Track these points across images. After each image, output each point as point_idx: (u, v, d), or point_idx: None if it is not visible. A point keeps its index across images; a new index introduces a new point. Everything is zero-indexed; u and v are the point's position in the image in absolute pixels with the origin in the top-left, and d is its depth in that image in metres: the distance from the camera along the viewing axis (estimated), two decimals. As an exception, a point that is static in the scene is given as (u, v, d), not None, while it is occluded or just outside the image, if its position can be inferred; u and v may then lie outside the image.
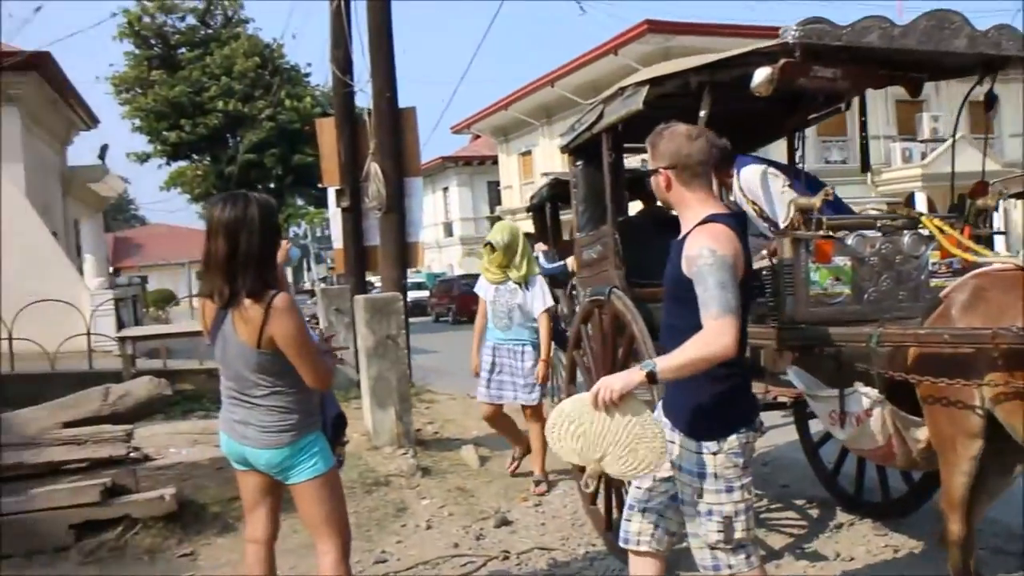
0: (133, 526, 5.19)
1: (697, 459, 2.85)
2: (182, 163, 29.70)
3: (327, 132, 10.33)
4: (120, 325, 15.75)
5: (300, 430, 3.19)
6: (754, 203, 4.67)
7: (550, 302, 6.18)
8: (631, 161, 6.31)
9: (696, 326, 2.68)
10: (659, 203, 3.19)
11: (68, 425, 5.79)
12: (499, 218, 39.85)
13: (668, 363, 2.71)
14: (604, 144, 4.97)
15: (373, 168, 9.54)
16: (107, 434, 5.59)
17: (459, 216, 41.63)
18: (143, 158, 29.73)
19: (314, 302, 17.34)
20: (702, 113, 4.20)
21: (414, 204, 10.00)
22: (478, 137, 39.99)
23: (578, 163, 5.74)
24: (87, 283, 18.10)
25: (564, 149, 5.87)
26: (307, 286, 49.66)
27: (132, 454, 5.61)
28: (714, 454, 2.82)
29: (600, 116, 4.99)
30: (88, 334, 11.96)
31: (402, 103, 9.89)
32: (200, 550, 5.13)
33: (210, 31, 29.44)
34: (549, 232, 9.61)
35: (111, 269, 30.29)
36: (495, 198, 38.05)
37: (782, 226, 4.15)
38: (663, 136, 2.93)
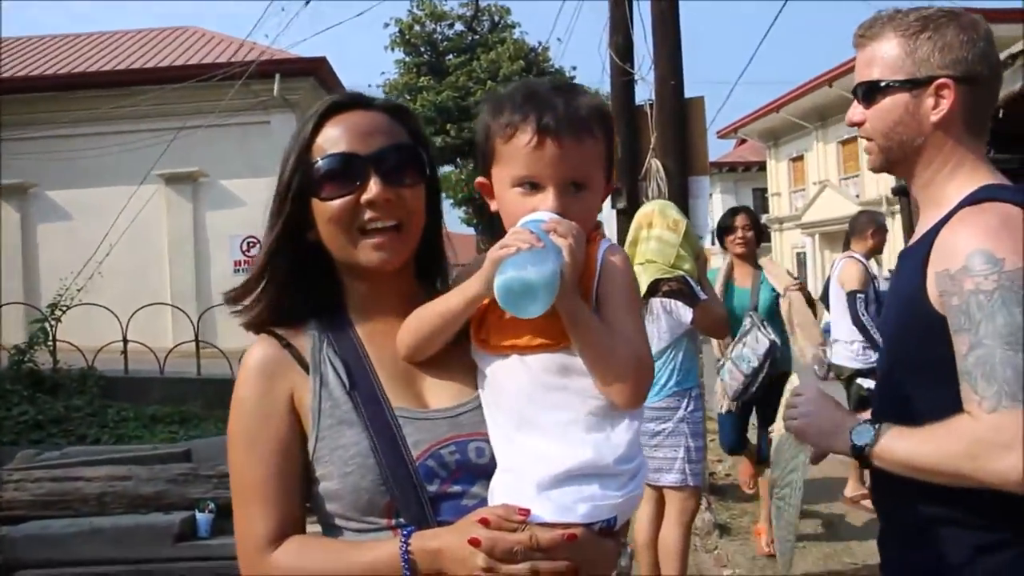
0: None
1: None
2: (447, 168, 30.09)
3: (602, 126, 9.31)
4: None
5: None
6: None
7: None
8: None
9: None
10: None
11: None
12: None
13: (897, 444, 1.56)
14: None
15: (654, 164, 8.39)
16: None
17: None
18: (409, 163, 30.33)
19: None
20: None
21: (700, 206, 8.70)
22: (744, 142, 38.33)
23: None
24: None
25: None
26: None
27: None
28: None
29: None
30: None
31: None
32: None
33: (477, 37, 29.64)
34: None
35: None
36: (761, 206, 36.02)
37: None
38: (942, 21, 1.67)
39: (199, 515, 4.74)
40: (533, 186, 1.38)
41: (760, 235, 6.03)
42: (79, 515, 4.89)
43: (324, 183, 1.42)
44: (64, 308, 11.81)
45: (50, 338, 11.73)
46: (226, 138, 16.25)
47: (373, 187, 1.41)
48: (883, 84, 1.73)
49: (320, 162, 1.43)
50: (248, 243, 16.62)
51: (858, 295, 6.03)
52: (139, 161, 14.62)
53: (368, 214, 1.42)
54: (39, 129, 16.30)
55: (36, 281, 16.02)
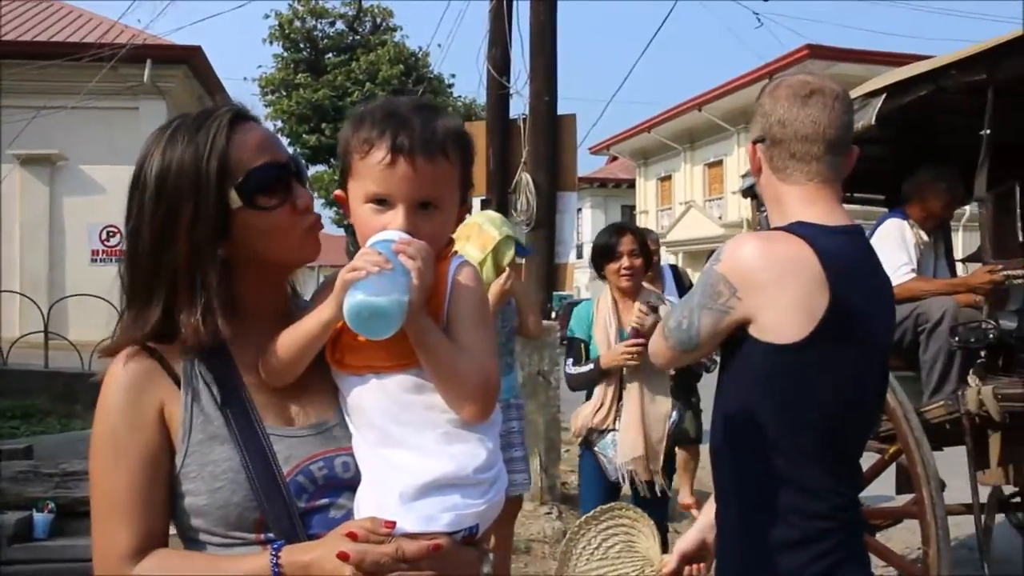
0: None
1: None
2: (320, 168, 29.70)
3: (476, 137, 9.35)
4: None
5: None
6: None
7: None
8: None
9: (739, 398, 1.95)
10: None
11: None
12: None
13: None
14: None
15: (524, 178, 8.65)
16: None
17: (590, 239, 40.71)
18: (283, 160, 29.80)
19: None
20: (986, 132, 3.29)
21: (566, 221, 9.03)
22: (615, 159, 39.30)
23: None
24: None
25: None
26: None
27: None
28: None
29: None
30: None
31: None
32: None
33: (358, 37, 29.44)
34: None
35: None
36: (629, 222, 37.07)
37: None
38: (766, 91, 2.01)
39: (37, 515, 4.52)
40: (384, 203, 1.40)
41: (649, 261, 4.51)
42: (-97, 514, 4.60)
43: (258, 194, 1.40)
44: (-101, 291, 11.17)
45: None
46: (89, 122, 15.53)
47: (303, 192, 1.45)
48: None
49: (252, 173, 1.40)
50: (108, 232, 16.02)
51: None
52: (-8, 139, 13.93)
53: (308, 217, 1.45)
54: None
55: None
